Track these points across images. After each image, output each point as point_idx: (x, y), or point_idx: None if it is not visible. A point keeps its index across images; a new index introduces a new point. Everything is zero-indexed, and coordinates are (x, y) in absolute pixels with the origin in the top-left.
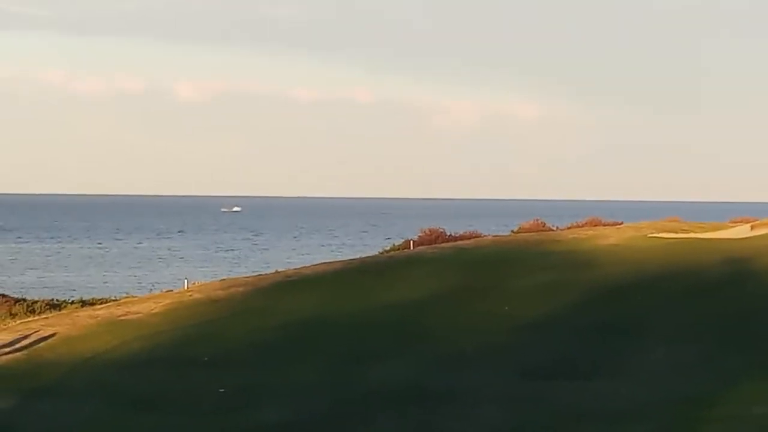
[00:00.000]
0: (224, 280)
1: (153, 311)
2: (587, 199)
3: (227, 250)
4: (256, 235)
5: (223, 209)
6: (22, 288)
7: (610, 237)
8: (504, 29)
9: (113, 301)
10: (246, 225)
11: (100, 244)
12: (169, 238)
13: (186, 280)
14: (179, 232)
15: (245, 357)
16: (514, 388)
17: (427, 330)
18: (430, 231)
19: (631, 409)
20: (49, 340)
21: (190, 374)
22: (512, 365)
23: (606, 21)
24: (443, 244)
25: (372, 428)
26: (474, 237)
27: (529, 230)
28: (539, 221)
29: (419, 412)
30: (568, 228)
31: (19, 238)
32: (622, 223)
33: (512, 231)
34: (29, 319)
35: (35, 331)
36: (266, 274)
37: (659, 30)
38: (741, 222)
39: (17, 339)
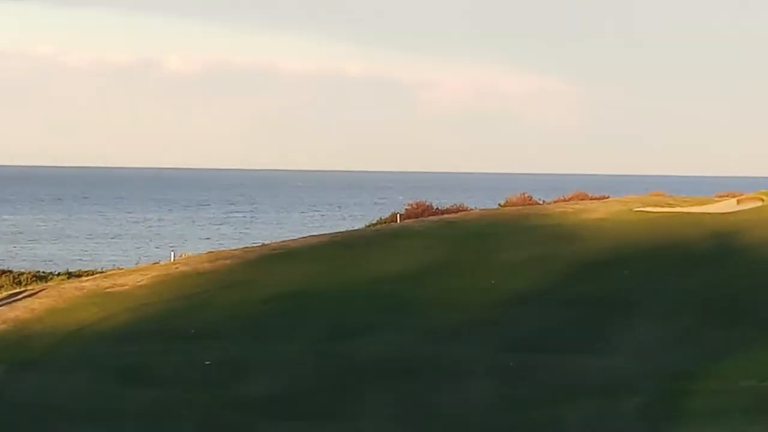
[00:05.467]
0: (211, 252)
1: (139, 283)
2: (574, 173)
3: (215, 224)
4: (247, 209)
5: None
6: (7, 259)
7: (596, 211)
8: (494, 4)
9: (99, 273)
10: (231, 198)
11: (85, 215)
12: (156, 210)
13: (173, 253)
14: (164, 201)
15: (232, 330)
16: (501, 361)
17: (413, 303)
18: (416, 204)
19: (618, 382)
20: (36, 312)
21: (176, 347)
22: (499, 339)
23: None
24: (430, 218)
25: (359, 401)
26: (460, 210)
27: (515, 204)
28: (526, 195)
29: (407, 386)
30: (555, 202)
31: (9, 206)
32: (608, 197)
33: (499, 205)
34: (15, 290)
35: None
36: (253, 247)
37: (647, 6)
38: (727, 196)
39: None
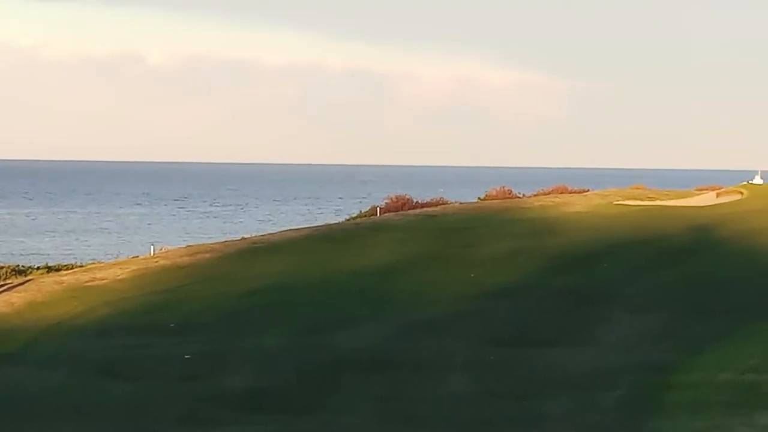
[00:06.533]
0: (190, 246)
1: (119, 277)
2: (554, 166)
3: (196, 218)
4: (229, 203)
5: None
6: None
7: (576, 204)
8: None
9: (79, 267)
10: (213, 192)
11: (65, 209)
12: (137, 204)
13: (152, 246)
14: (144, 195)
15: (211, 323)
16: (481, 354)
17: (393, 297)
18: (396, 198)
19: (598, 376)
20: (16, 306)
21: (156, 341)
22: (479, 332)
23: None
24: (410, 211)
25: (339, 395)
26: (441, 204)
27: (495, 197)
28: (506, 189)
29: (386, 379)
30: (535, 195)
31: None
32: (588, 191)
33: (479, 198)
34: None
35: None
36: (232, 241)
37: (628, 1)
38: (706, 190)
39: None
